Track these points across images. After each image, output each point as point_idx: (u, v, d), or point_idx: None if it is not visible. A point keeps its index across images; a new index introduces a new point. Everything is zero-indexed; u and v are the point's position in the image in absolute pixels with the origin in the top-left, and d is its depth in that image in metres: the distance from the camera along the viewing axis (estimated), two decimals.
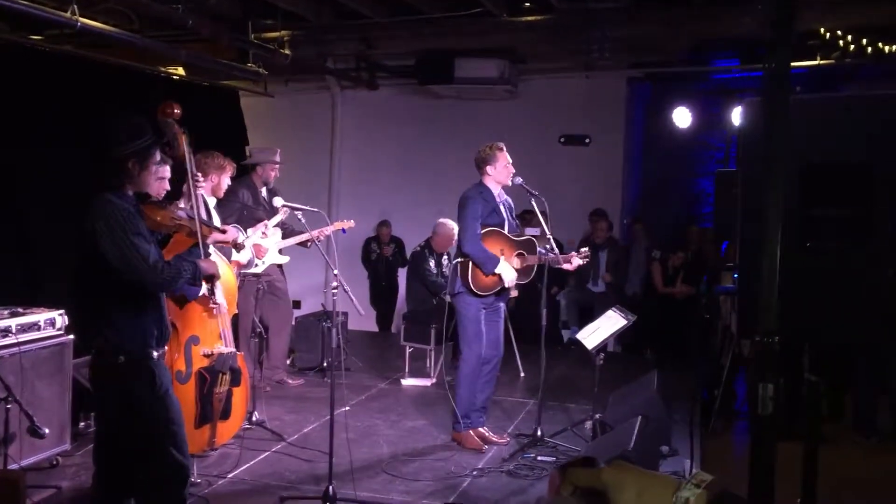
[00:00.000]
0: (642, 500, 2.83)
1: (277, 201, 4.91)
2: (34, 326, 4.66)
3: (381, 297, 9.86)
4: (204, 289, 4.01)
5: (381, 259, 9.74)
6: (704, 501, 2.69)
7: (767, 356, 1.98)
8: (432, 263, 7.46)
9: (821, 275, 2.21)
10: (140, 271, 3.12)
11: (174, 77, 8.23)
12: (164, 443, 3.25)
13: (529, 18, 7.60)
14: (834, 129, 2.22)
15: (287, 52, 7.86)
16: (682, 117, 9.00)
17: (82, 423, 5.28)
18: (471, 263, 5.26)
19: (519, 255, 5.44)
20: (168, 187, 3.56)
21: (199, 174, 4.09)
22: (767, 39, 2.24)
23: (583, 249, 5.72)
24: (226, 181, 5.53)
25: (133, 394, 3.23)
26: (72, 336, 4.82)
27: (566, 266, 5.52)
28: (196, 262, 3.41)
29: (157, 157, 3.39)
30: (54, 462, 4.77)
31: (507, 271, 5.29)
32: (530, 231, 5.82)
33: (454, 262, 5.37)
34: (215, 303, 4.52)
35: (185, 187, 4.10)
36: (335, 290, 4.41)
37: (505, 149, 5.42)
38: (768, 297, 1.97)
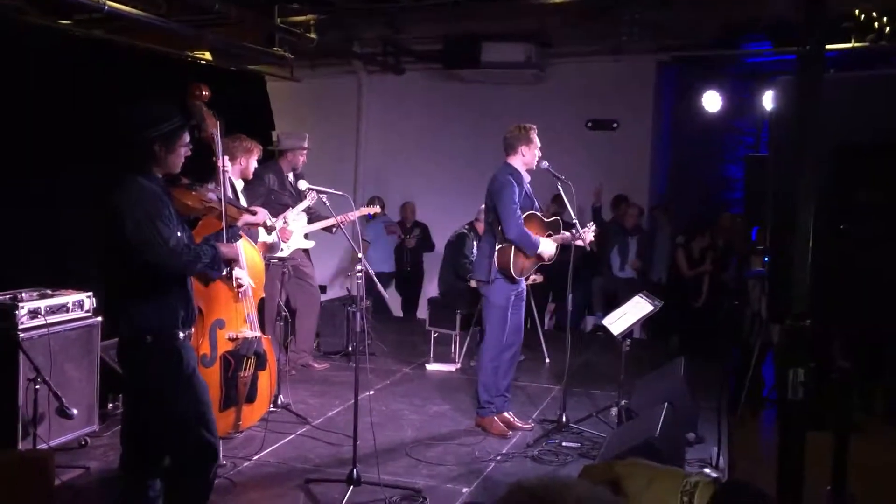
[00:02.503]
0: (652, 487, 2.81)
1: (302, 184, 4.91)
2: (63, 308, 4.71)
3: (407, 282, 9.85)
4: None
5: (405, 245, 9.72)
6: (713, 488, 2.66)
7: (798, 340, 1.94)
8: (475, 245, 7.44)
9: (854, 259, 2.15)
10: (159, 254, 3.13)
11: (201, 62, 8.26)
12: (192, 422, 3.26)
13: (557, 1, 7.50)
14: (870, 109, 2.15)
15: (313, 36, 7.84)
16: (712, 101, 8.86)
17: (111, 405, 5.35)
18: (513, 249, 5.23)
19: (548, 235, 5.45)
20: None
21: (227, 157, 4.10)
22: (800, 21, 2.18)
23: (589, 224, 5.64)
24: (253, 164, 5.54)
25: (159, 374, 3.25)
26: (100, 318, 4.87)
27: (578, 242, 5.49)
28: (216, 245, 3.40)
29: (186, 139, 3.39)
30: (83, 442, 4.83)
31: (548, 246, 5.37)
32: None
33: (496, 247, 5.29)
34: (235, 285, 4.54)
35: (216, 170, 4.11)
36: (359, 274, 4.39)
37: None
38: (799, 280, 1.92)
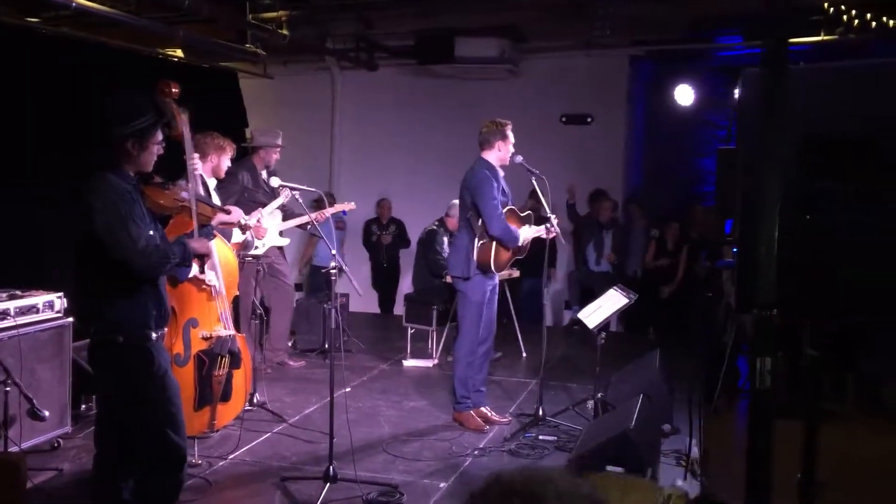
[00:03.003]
0: (626, 500, 2.82)
1: (274, 181, 4.87)
2: (33, 309, 4.65)
3: (383, 278, 9.84)
4: (195, 269, 3.99)
5: (381, 242, 9.71)
6: (685, 501, 2.67)
7: (765, 329, 1.96)
8: (445, 241, 7.42)
9: (821, 249, 2.17)
10: (127, 254, 3.10)
11: (173, 59, 8.18)
12: (161, 424, 3.24)
13: None
14: (834, 100, 2.17)
15: (285, 32, 7.78)
16: (685, 95, 8.91)
17: (84, 406, 5.29)
18: (494, 245, 5.24)
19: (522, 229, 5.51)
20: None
21: (198, 154, 4.06)
22: (766, 14, 2.20)
23: (552, 216, 5.66)
24: (226, 162, 5.50)
25: (131, 375, 3.22)
26: (71, 319, 4.82)
27: (543, 235, 5.52)
28: (186, 242, 3.37)
29: (159, 137, 3.36)
30: (55, 444, 4.78)
31: (527, 232, 5.46)
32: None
33: (476, 244, 5.28)
34: (207, 284, 4.51)
35: (185, 167, 4.08)
36: (334, 271, 4.38)
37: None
38: (766, 270, 1.94)
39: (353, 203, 6.72)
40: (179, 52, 8.26)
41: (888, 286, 2.13)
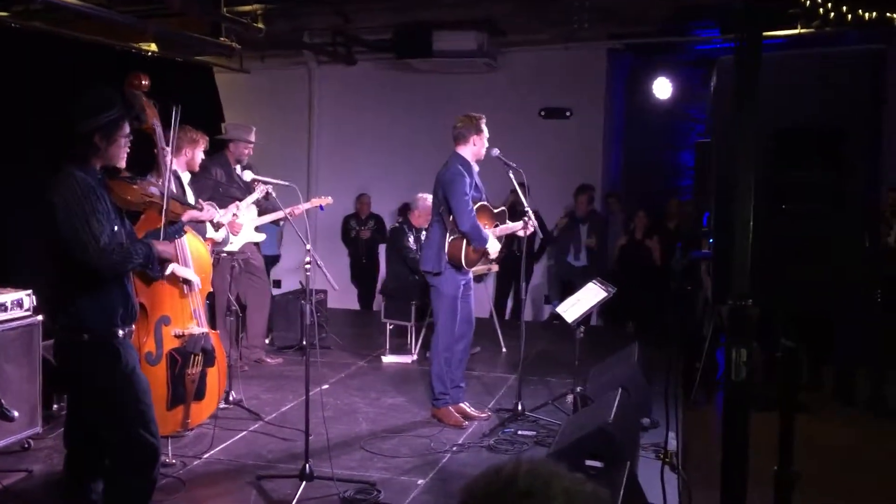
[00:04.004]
0: None
1: (247, 175, 4.79)
2: (1, 307, 4.55)
3: (362, 274, 9.78)
4: (171, 268, 3.92)
5: (360, 237, 9.66)
6: None
7: (741, 321, 1.93)
8: (411, 239, 7.37)
9: (794, 241, 2.14)
10: (87, 252, 3.02)
11: (147, 53, 8.07)
12: (132, 422, 3.17)
13: None
14: (802, 90, 2.14)
15: (261, 25, 7.70)
16: (663, 88, 8.94)
17: (55, 406, 5.19)
18: (464, 241, 5.20)
19: (495, 225, 5.47)
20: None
21: (168, 148, 3.98)
22: (740, 6, 2.17)
23: (528, 210, 5.63)
24: (199, 155, 5.41)
25: (97, 373, 3.15)
26: (41, 317, 4.72)
27: (520, 232, 5.50)
28: (151, 244, 3.30)
29: (126, 130, 3.29)
30: (25, 445, 4.69)
31: (494, 244, 5.36)
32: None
33: (447, 239, 5.25)
34: (180, 281, 4.44)
35: (157, 161, 4.00)
36: (308, 266, 4.32)
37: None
38: (741, 260, 1.91)
39: (329, 198, 6.66)
40: (153, 47, 8.15)
41: (849, 279, 2.11)
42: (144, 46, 8.03)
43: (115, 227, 3.14)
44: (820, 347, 6.61)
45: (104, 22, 6.73)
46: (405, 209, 8.38)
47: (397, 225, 7.59)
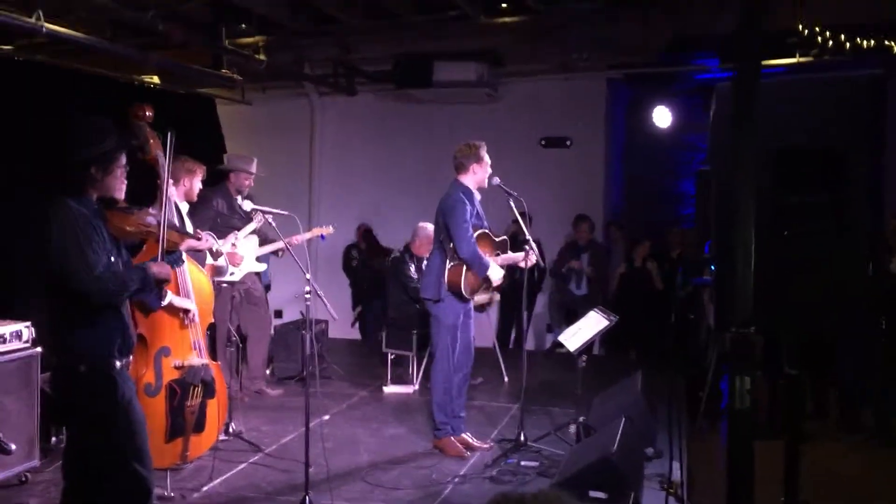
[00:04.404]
0: None
1: (247, 205, 4.79)
2: (0, 339, 4.53)
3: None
4: (170, 297, 3.89)
5: (361, 266, 9.64)
6: None
7: (743, 348, 1.90)
8: (412, 268, 7.36)
9: (796, 263, 2.13)
10: (82, 281, 3.01)
11: (149, 85, 8.13)
12: (126, 455, 3.13)
13: (506, 20, 7.52)
14: (803, 113, 2.14)
15: (262, 57, 7.75)
16: (662, 117, 8.96)
17: (54, 439, 5.15)
18: (464, 268, 5.18)
19: (496, 254, 5.44)
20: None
21: (171, 179, 3.98)
22: (738, 36, 2.17)
23: (533, 244, 5.62)
24: (197, 185, 5.41)
25: (93, 404, 3.12)
26: (40, 349, 4.70)
27: (521, 263, 5.47)
28: (146, 268, 3.28)
29: (123, 161, 3.29)
30: (23, 479, 4.64)
31: (496, 272, 5.32)
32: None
33: (447, 266, 5.24)
34: (180, 311, 4.41)
35: (158, 192, 4.00)
36: (308, 295, 4.30)
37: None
38: (743, 286, 1.89)
39: (331, 227, 6.66)
40: (156, 79, 8.21)
41: (851, 300, 2.09)
42: (147, 79, 8.10)
43: (112, 258, 3.13)
44: (824, 374, 6.55)
45: (107, 54, 6.78)
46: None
47: (398, 254, 7.58)
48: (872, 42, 7.40)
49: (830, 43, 7.48)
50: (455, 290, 5.21)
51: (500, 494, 1.24)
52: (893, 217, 6.44)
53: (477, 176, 5.32)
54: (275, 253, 6.30)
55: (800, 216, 2.07)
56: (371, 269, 9.41)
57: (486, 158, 5.33)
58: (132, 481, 3.15)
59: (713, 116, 2.43)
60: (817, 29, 7.36)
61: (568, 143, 9.42)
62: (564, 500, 1.21)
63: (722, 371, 6.72)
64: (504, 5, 7.45)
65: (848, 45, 7.47)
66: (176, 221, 4.59)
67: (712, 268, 2.44)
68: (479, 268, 5.20)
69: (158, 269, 3.34)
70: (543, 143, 9.48)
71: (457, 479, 4.87)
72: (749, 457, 1.92)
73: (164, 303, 4.23)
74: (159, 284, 3.44)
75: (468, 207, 5.21)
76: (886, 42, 7.38)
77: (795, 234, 2.05)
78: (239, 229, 6.02)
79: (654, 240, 8.89)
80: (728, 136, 2.13)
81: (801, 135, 2.11)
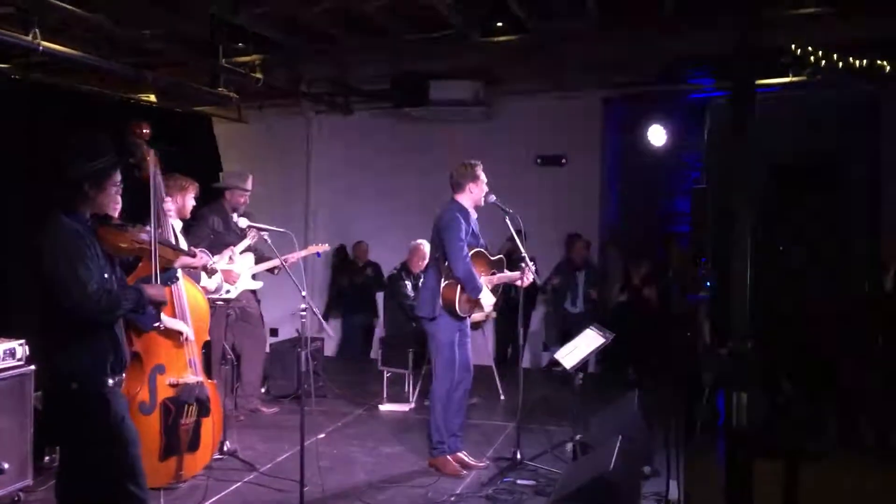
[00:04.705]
0: None
1: (242, 222, 4.79)
2: None
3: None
4: (164, 319, 3.87)
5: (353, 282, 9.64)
6: None
7: (741, 364, 1.90)
8: (409, 286, 7.35)
9: (793, 284, 2.13)
10: (74, 299, 3.00)
11: (146, 103, 8.14)
12: (118, 474, 3.10)
13: (501, 39, 7.58)
14: (799, 130, 2.15)
15: (259, 75, 7.78)
16: (657, 136, 8.99)
17: (47, 457, 5.10)
18: (459, 286, 5.18)
19: (492, 273, 5.45)
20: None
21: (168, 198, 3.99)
22: (733, 56, 2.19)
23: (529, 262, 5.61)
24: (190, 202, 5.41)
25: (85, 422, 3.10)
26: (33, 367, 4.66)
27: (518, 283, 5.48)
28: (141, 288, 3.26)
29: (117, 178, 3.29)
30: (16, 498, 4.59)
31: (488, 297, 5.30)
32: None
33: (442, 284, 5.24)
34: (163, 328, 4.38)
35: (153, 210, 3.99)
36: (304, 313, 4.29)
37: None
38: (739, 302, 1.89)
39: (326, 245, 6.66)
40: (153, 97, 8.23)
41: (849, 316, 2.10)
42: (143, 97, 8.11)
43: (106, 275, 3.11)
44: (822, 391, 6.53)
45: (104, 73, 6.79)
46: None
47: (395, 272, 7.57)
48: (864, 61, 7.46)
49: (823, 62, 7.54)
50: (450, 308, 5.21)
51: None
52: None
53: (473, 195, 5.34)
54: (270, 270, 6.29)
55: (795, 230, 2.07)
56: (339, 286, 9.48)
57: (483, 177, 5.34)
58: (126, 500, 3.12)
59: (707, 134, 2.43)
60: (810, 48, 7.42)
61: (563, 161, 9.46)
62: None
63: (719, 388, 6.72)
64: (499, 24, 7.49)
65: (840, 63, 7.52)
66: (172, 239, 4.59)
67: (707, 285, 2.44)
68: (472, 288, 5.20)
69: (154, 291, 3.32)
70: (539, 161, 9.52)
71: (453, 498, 4.84)
72: (748, 475, 1.91)
73: (157, 324, 4.21)
74: (155, 307, 3.43)
75: (463, 226, 5.22)
76: (878, 62, 7.44)
77: (791, 249, 2.05)
78: (235, 246, 6.02)
79: (649, 257, 8.89)
80: (723, 152, 2.13)
81: (796, 150, 2.12)
